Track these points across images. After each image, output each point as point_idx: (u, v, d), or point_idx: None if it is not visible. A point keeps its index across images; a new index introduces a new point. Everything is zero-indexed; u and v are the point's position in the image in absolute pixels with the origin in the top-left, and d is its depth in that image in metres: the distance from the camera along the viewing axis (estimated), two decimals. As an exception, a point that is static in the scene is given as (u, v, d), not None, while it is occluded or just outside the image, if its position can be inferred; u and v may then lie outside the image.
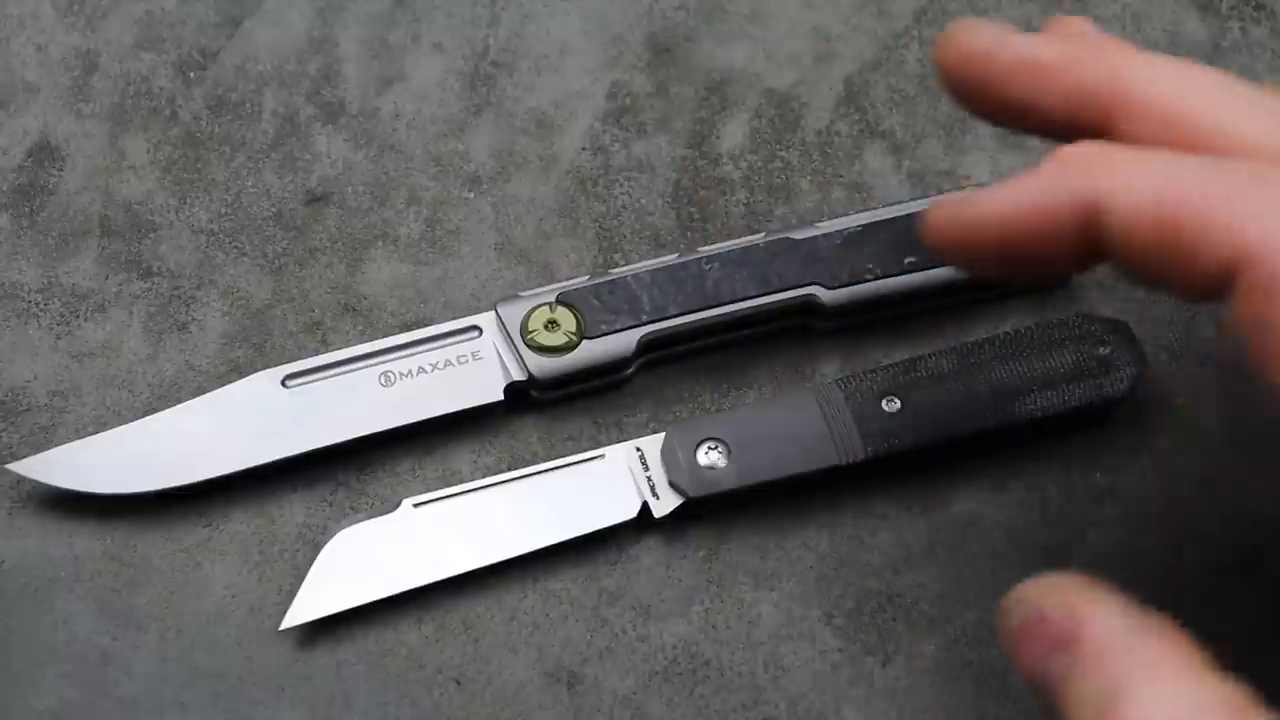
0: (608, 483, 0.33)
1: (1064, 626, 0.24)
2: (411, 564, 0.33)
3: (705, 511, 0.34)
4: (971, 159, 0.39)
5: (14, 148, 0.39)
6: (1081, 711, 0.23)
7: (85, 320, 0.37)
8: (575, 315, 0.35)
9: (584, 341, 0.35)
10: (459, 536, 0.33)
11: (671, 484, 0.33)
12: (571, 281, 0.35)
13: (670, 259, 0.36)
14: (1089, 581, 0.25)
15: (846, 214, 0.36)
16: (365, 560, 0.32)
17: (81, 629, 0.33)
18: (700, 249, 0.36)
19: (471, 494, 0.33)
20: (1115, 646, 0.24)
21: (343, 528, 0.33)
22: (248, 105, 0.40)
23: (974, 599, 0.33)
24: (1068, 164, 0.25)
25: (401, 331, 0.36)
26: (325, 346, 0.36)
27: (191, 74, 0.40)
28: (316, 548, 0.33)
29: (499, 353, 0.35)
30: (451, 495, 0.33)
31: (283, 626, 0.32)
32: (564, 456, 0.34)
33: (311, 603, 0.32)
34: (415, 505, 0.33)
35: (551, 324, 0.35)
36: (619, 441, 0.34)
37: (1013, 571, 0.33)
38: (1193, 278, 0.23)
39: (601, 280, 0.35)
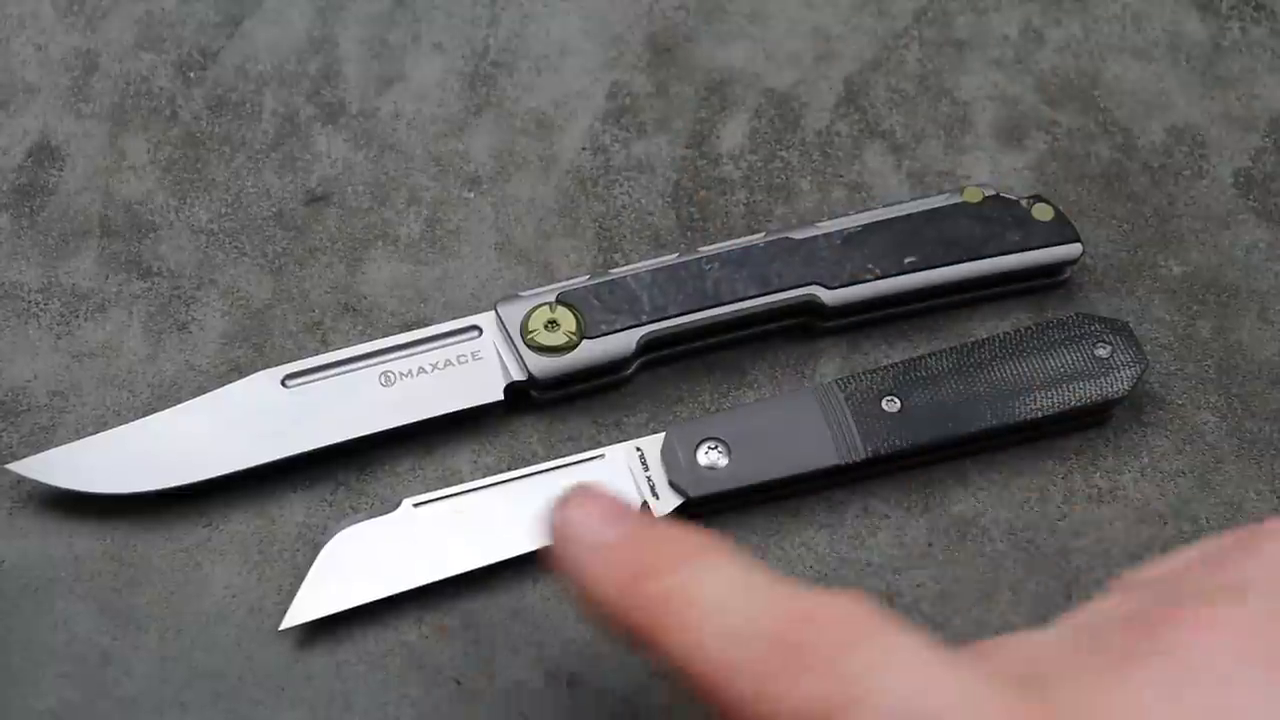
0: (608, 482, 0.33)
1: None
2: (411, 564, 0.32)
3: (705, 511, 0.34)
4: (971, 159, 0.39)
5: (14, 148, 0.39)
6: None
7: (85, 320, 0.37)
8: (575, 315, 0.35)
9: (584, 341, 0.35)
10: (459, 536, 0.33)
11: (671, 484, 0.33)
12: (571, 281, 0.35)
13: (670, 259, 0.36)
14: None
15: (846, 214, 0.36)
16: (365, 560, 0.32)
17: (82, 629, 0.33)
18: (700, 249, 0.36)
19: (471, 494, 0.33)
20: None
21: (343, 528, 0.33)
22: (248, 105, 0.40)
23: (974, 599, 0.33)
24: None
25: (401, 331, 0.36)
26: (325, 346, 0.36)
27: (192, 74, 0.40)
28: (316, 547, 0.33)
29: (499, 352, 0.35)
30: (451, 495, 0.33)
31: (283, 626, 0.32)
32: (564, 456, 0.34)
33: (311, 602, 0.32)
34: (415, 505, 0.33)
35: (551, 324, 0.35)
36: (619, 441, 0.34)
37: (1013, 572, 0.33)
38: None
39: (601, 280, 0.35)
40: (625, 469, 0.33)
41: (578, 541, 0.25)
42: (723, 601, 0.23)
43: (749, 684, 0.21)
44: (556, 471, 0.34)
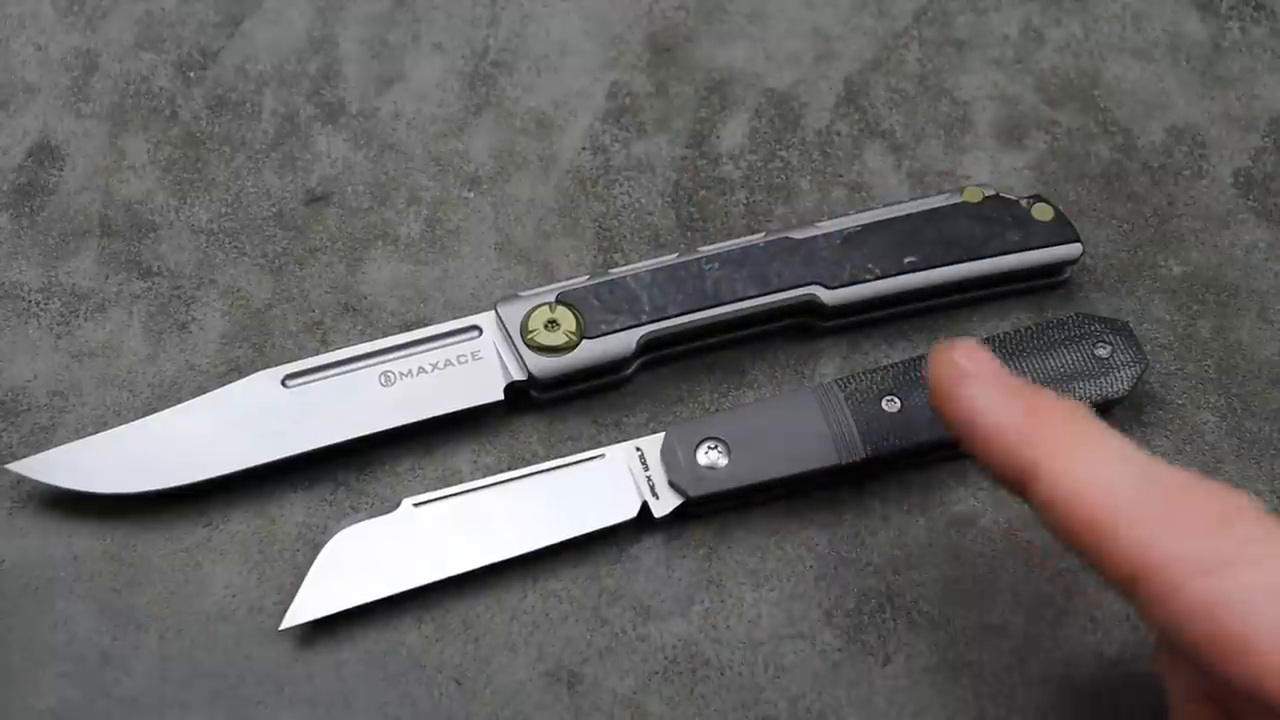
0: (608, 482, 0.33)
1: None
2: (411, 564, 0.33)
3: (705, 511, 0.34)
4: (971, 159, 0.39)
5: (14, 148, 0.39)
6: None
7: (85, 320, 0.37)
8: (575, 315, 0.35)
9: (584, 341, 0.35)
10: (459, 536, 0.33)
11: (671, 484, 0.33)
12: (571, 281, 0.35)
13: (670, 259, 0.36)
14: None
15: (846, 214, 0.36)
16: (365, 560, 0.32)
17: (82, 628, 0.33)
18: (700, 249, 0.36)
19: (471, 494, 0.33)
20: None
21: (343, 527, 0.33)
22: (248, 105, 0.40)
23: (974, 599, 0.33)
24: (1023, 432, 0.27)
25: (401, 331, 0.36)
26: (325, 346, 0.36)
27: (191, 74, 0.40)
28: (316, 547, 0.33)
29: (499, 352, 0.35)
30: (451, 495, 0.33)
31: (283, 626, 0.32)
32: (564, 456, 0.34)
33: (311, 602, 0.32)
34: (415, 505, 0.33)
35: (551, 324, 0.35)
36: (619, 441, 0.34)
37: (1013, 572, 0.33)
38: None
39: (601, 280, 0.35)
40: (625, 469, 0.33)
41: (976, 376, 0.27)
42: (1115, 456, 0.25)
43: (1137, 532, 0.24)
44: (556, 472, 0.34)
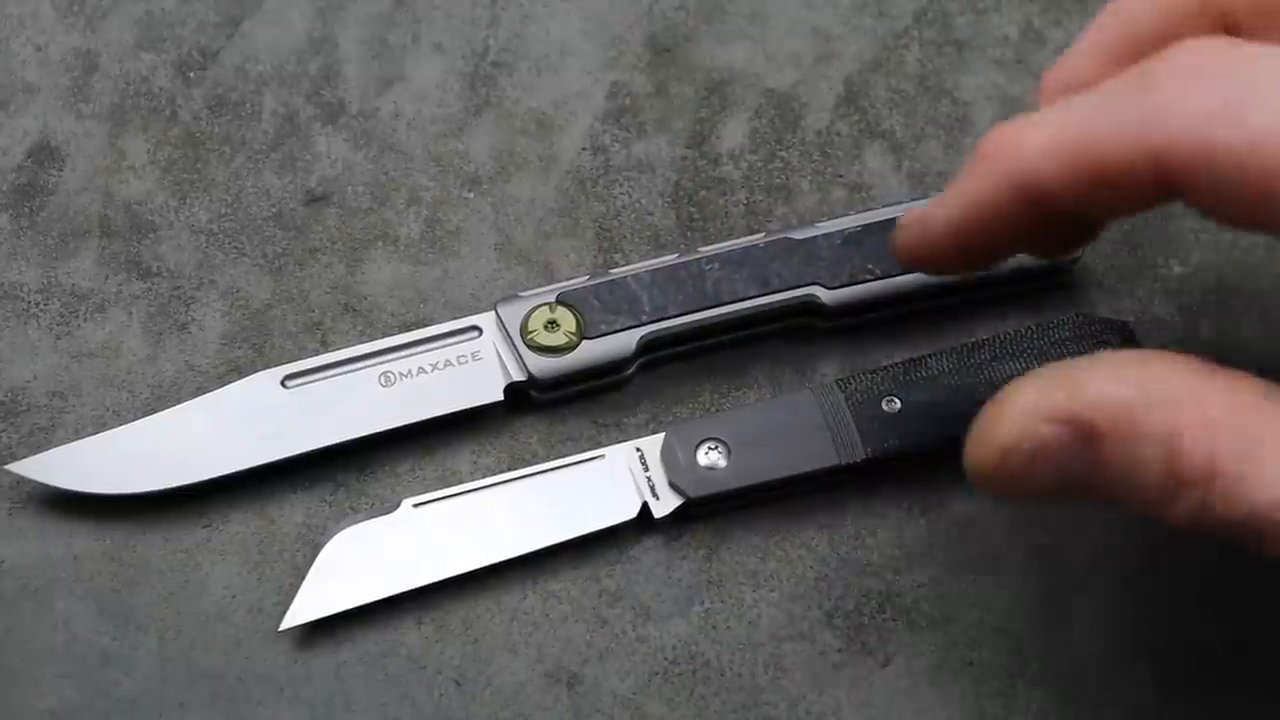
0: (608, 483, 0.33)
1: (1069, 433, 0.24)
2: (411, 564, 0.32)
3: (705, 512, 0.34)
4: (971, 159, 0.39)
5: (14, 148, 0.39)
6: (1142, 481, 0.23)
7: (85, 320, 0.37)
8: (575, 315, 0.35)
9: (584, 341, 0.35)
10: (459, 537, 0.33)
11: (671, 484, 0.33)
12: (571, 281, 0.35)
13: (670, 259, 0.36)
14: (1052, 378, 0.25)
15: (846, 214, 0.36)
16: (365, 560, 0.32)
17: (81, 629, 0.33)
18: (700, 249, 0.36)
19: (472, 494, 0.33)
20: (1142, 410, 0.23)
21: (343, 528, 0.33)
22: (248, 105, 0.40)
23: (974, 599, 0.33)
24: (989, 155, 0.26)
25: (401, 332, 0.36)
26: (325, 347, 0.36)
27: (191, 74, 0.40)
28: (316, 548, 0.33)
29: (499, 353, 0.35)
30: (452, 495, 0.33)
31: (282, 627, 0.32)
32: (564, 457, 0.34)
33: (311, 603, 0.32)
34: (415, 505, 0.33)
35: (551, 324, 0.35)
36: (619, 441, 0.34)
37: (1013, 572, 0.33)
38: (1136, 200, 0.24)
39: (601, 280, 0.35)
40: (625, 470, 0.33)
41: None
42: None
43: None
44: (555, 472, 0.34)
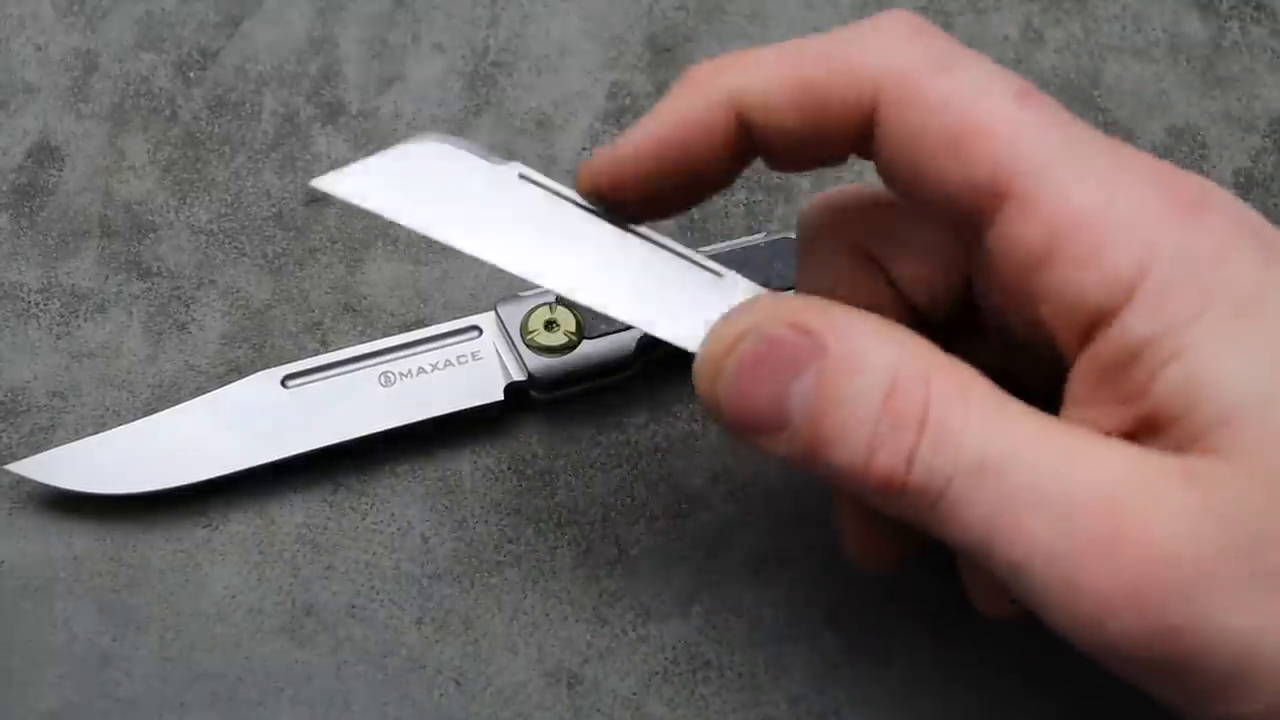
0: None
1: (798, 344, 0.23)
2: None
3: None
4: (971, 159, 0.39)
5: (14, 148, 0.39)
6: (856, 413, 0.22)
7: (85, 320, 0.37)
8: (575, 315, 0.35)
9: (584, 341, 0.35)
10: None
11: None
12: (571, 281, 0.35)
13: (670, 259, 0.36)
14: (796, 299, 0.25)
15: (846, 214, 0.36)
16: (446, 188, 0.27)
17: (81, 629, 0.33)
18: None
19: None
20: (872, 340, 0.23)
21: (437, 139, 0.27)
22: (248, 105, 0.40)
23: (974, 599, 0.33)
24: (699, 78, 0.26)
25: (401, 332, 0.36)
26: (325, 347, 0.36)
27: (191, 74, 0.40)
28: (317, 548, 0.33)
29: (499, 353, 0.35)
30: (558, 192, 0.28)
31: (312, 183, 0.27)
32: (565, 456, 0.34)
33: (358, 181, 0.27)
34: (521, 176, 0.27)
35: (551, 324, 0.35)
36: (619, 440, 0.34)
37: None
38: (839, 128, 0.25)
39: (601, 280, 0.35)
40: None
41: None
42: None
43: None
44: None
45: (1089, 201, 0.22)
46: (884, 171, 0.26)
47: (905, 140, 0.24)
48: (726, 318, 0.25)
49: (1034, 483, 0.22)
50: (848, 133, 0.25)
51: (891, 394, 0.22)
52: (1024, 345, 0.26)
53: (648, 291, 0.27)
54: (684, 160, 0.26)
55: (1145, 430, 0.22)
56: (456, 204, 0.27)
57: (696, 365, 0.25)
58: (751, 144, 0.26)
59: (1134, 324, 0.22)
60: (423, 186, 0.27)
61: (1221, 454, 0.21)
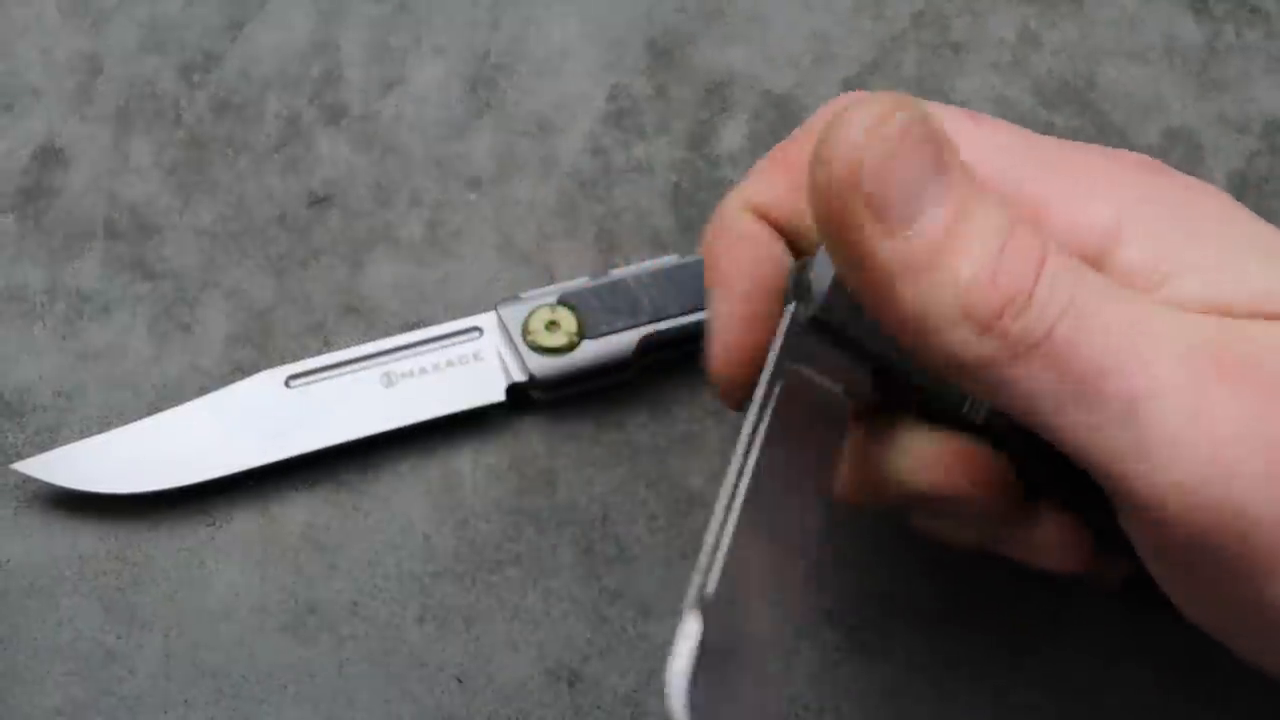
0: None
1: (944, 144, 0.22)
2: None
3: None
4: (969, 161, 0.39)
5: (19, 150, 0.39)
6: (984, 232, 0.22)
7: (90, 321, 0.37)
8: (575, 316, 0.35)
9: (584, 342, 0.35)
10: None
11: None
12: (572, 282, 0.36)
13: (670, 260, 0.36)
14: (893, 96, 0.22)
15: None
16: None
17: (86, 627, 0.33)
18: (700, 250, 0.36)
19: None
20: (989, 192, 0.22)
21: None
22: (251, 108, 0.40)
23: (974, 598, 0.33)
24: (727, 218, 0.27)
25: (403, 332, 0.36)
26: (327, 347, 0.36)
27: (195, 77, 0.40)
28: (319, 547, 0.33)
29: (500, 353, 0.35)
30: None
31: None
32: (565, 456, 0.34)
33: None
34: None
35: (552, 325, 0.35)
36: (619, 441, 0.35)
37: (1012, 570, 0.34)
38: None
39: (602, 281, 0.35)
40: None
41: None
42: None
43: None
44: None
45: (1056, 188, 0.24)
46: None
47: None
48: (864, 100, 0.22)
49: (1149, 323, 0.21)
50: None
51: (1013, 234, 0.22)
52: None
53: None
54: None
55: None
56: None
57: (828, 134, 0.22)
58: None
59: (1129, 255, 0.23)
60: None
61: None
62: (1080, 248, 0.23)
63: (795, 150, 0.27)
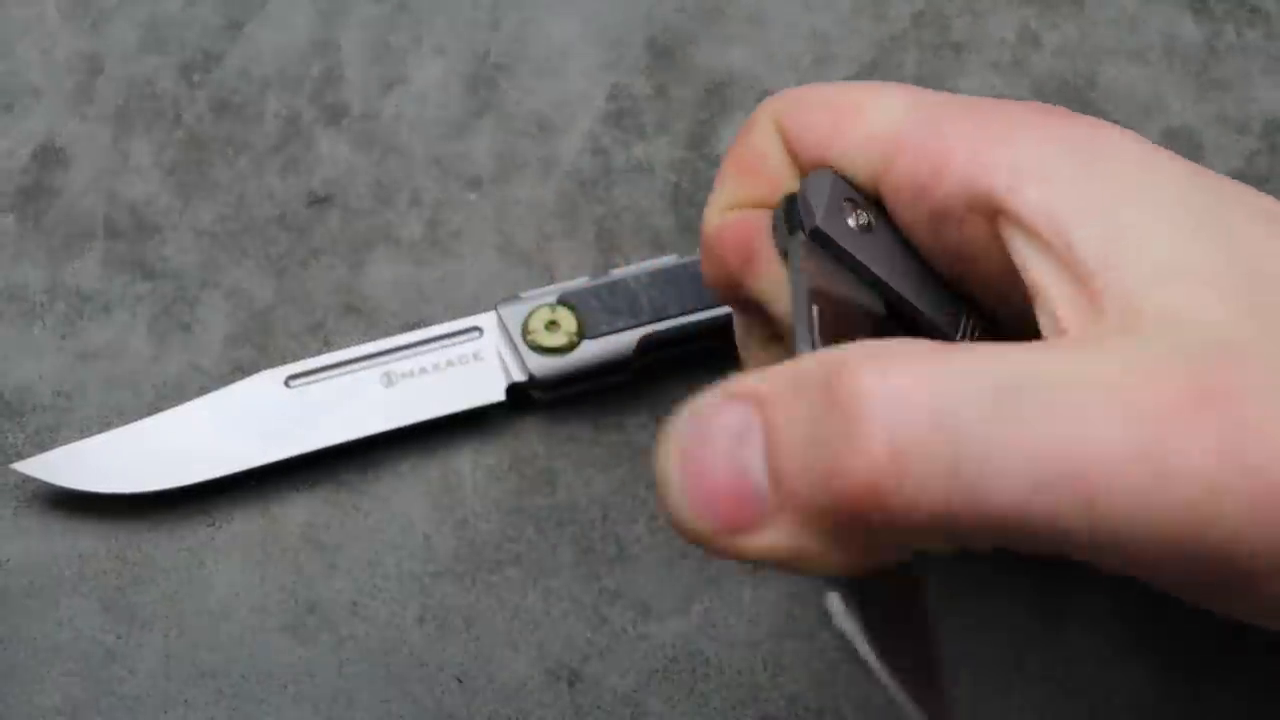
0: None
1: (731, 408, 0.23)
2: None
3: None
4: (969, 161, 0.39)
5: (19, 150, 0.39)
6: (806, 432, 0.21)
7: (89, 321, 0.37)
8: (575, 316, 0.35)
9: (584, 342, 0.35)
10: None
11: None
12: (572, 282, 0.36)
13: (670, 260, 0.36)
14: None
15: (845, 215, 0.37)
16: None
17: (86, 627, 0.33)
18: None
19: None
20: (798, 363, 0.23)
21: None
22: (251, 108, 0.40)
23: (973, 597, 0.33)
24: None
25: (403, 332, 0.36)
26: (327, 347, 0.36)
27: (195, 77, 0.40)
28: (319, 546, 0.33)
29: (500, 353, 0.35)
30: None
31: None
32: (565, 456, 0.34)
33: None
34: None
35: (552, 324, 0.35)
36: (620, 442, 0.35)
37: (1012, 569, 0.34)
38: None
39: (601, 281, 0.35)
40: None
41: None
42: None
43: None
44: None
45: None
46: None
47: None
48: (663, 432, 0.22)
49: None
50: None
51: (827, 389, 0.20)
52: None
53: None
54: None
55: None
56: None
57: (660, 496, 0.22)
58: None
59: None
60: None
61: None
62: (981, 192, 0.24)
63: (743, 152, 0.28)
